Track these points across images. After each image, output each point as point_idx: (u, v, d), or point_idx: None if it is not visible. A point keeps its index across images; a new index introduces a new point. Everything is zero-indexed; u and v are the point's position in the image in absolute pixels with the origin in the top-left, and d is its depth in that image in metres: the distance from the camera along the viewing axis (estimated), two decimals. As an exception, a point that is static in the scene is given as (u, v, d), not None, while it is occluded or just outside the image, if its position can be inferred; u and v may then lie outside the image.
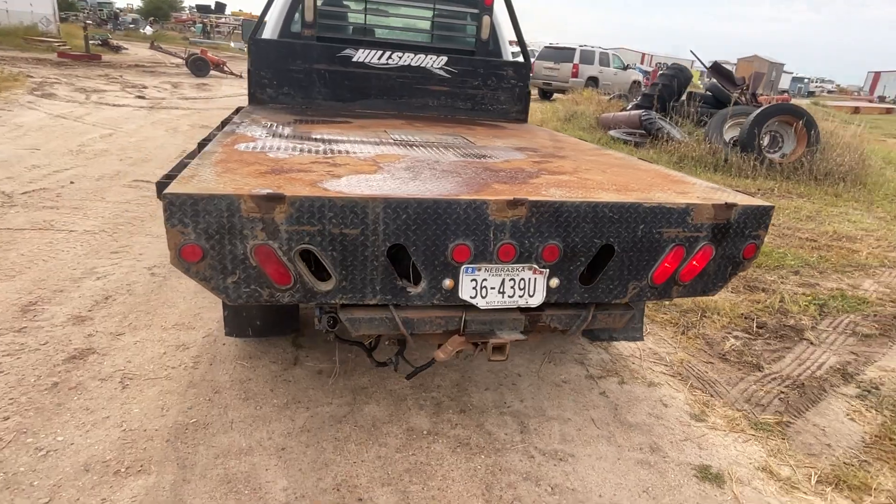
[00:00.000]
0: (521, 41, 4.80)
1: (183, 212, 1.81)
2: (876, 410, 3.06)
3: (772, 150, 9.39)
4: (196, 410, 2.61)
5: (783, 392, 3.19)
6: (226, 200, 1.83)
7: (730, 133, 9.78)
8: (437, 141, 3.38)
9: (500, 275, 2.13)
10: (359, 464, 2.39)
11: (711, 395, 3.12)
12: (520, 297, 2.17)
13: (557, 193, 2.19)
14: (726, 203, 2.24)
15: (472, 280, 2.11)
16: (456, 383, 3.00)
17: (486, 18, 4.70)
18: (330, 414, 2.65)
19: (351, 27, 4.68)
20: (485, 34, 4.75)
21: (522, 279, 2.15)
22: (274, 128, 3.32)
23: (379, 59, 4.50)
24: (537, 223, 2.07)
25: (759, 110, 9.10)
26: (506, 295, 2.15)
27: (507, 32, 4.98)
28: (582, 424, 2.75)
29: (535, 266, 2.14)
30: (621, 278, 2.25)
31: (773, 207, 2.35)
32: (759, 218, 2.31)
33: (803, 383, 3.30)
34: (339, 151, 2.74)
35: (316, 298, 2.05)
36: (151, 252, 4.60)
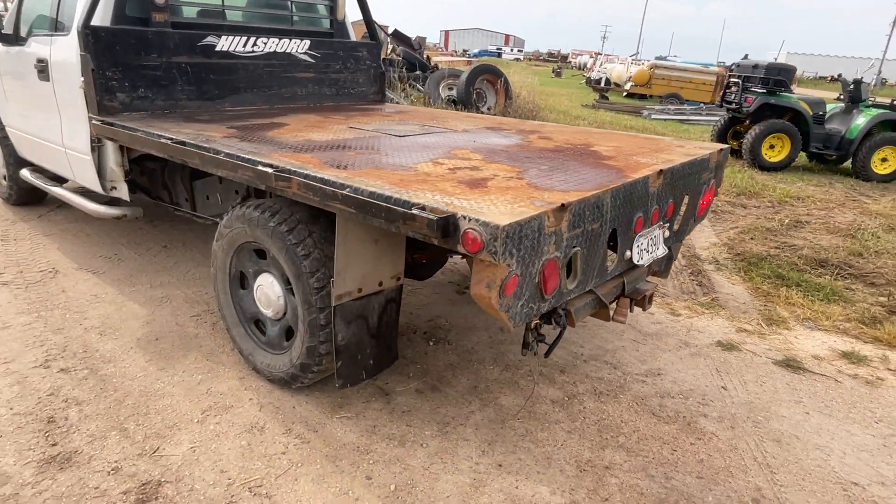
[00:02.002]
0: (370, 19, 4.75)
1: (512, 242, 1.67)
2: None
3: (480, 104, 11.14)
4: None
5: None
6: (537, 221, 1.75)
7: (445, 92, 11.15)
8: (439, 131, 3.32)
9: (647, 236, 2.51)
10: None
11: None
12: (655, 251, 2.60)
13: (661, 160, 2.66)
14: (720, 149, 3.06)
15: (637, 245, 2.44)
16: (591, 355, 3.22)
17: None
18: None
19: (200, 9, 3.89)
20: (340, 14, 4.54)
21: (654, 236, 2.59)
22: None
23: (244, 46, 3.92)
24: (663, 187, 2.52)
25: (469, 71, 10.66)
26: (648, 252, 2.56)
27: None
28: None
29: (661, 223, 2.60)
30: (688, 219, 2.89)
31: (730, 148, 3.29)
32: (726, 156, 3.21)
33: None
34: (433, 160, 2.56)
35: (562, 299, 2.10)
36: None
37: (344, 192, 1.99)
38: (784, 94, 8.44)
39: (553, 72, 43.07)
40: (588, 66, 41.96)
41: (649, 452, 2.48)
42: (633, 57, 42.12)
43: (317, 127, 3.34)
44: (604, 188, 2.11)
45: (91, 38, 3.25)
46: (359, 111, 4.25)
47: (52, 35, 3.70)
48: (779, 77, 8.51)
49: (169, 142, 2.71)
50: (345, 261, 2.24)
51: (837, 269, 4.63)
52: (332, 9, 4.50)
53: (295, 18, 4.34)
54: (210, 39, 3.75)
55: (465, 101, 10.62)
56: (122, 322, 3.31)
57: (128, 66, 3.41)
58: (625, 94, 23.52)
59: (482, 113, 10.90)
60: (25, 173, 4.62)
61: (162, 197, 3.98)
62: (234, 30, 3.92)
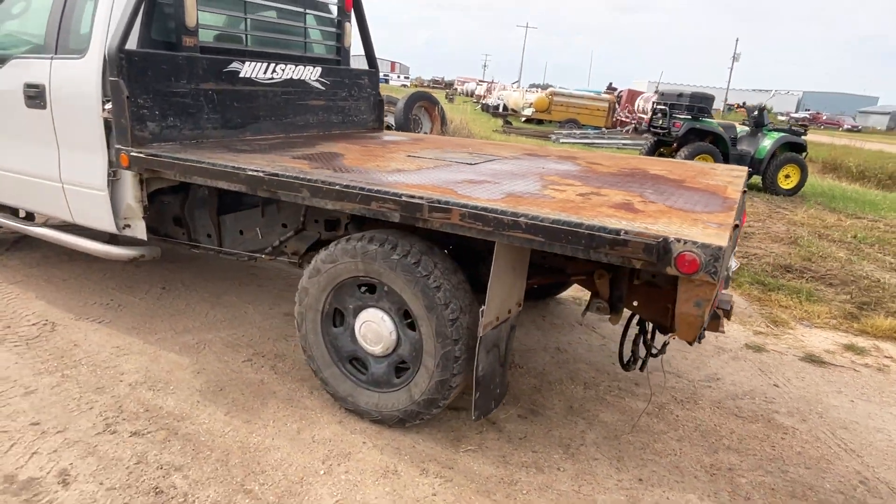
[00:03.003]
0: (369, 46, 4.70)
1: (724, 262, 1.78)
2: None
3: (416, 130, 11.26)
4: None
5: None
6: (731, 241, 1.87)
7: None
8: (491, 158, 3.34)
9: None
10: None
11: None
12: (733, 263, 2.83)
13: (719, 180, 2.91)
14: (749, 171, 3.40)
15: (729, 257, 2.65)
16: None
17: (347, 25, 4.41)
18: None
19: (224, 34, 3.65)
20: (347, 42, 4.46)
21: (735, 249, 2.82)
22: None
23: (264, 73, 3.74)
24: (741, 203, 2.77)
25: (405, 99, 10.74)
26: (733, 264, 2.78)
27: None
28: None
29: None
30: (737, 233, 3.17)
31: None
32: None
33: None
34: (560, 187, 2.60)
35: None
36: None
37: (521, 219, 1.99)
38: (706, 119, 9.46)
39: (447, 97, 44.41)
40: (477, 92, 43.71)
41: (755, 451, 2.68)
42: (515, 84, 44.62)
43: (373, 155, 3.25)
44: (732, 208, 2.29)
45: (125, 62, 2.95)
46: (376, 139, 4.19)
47: (50, 58, 3.29)
48: (701, 104, 9.53)
49: (260, 174, 2.53)
50: (496, 290, 2.22)
51: (800, 273, 5.25)
52: (340, 36, 4.41)
53: (307, 45, 4.20)
54: (235, 65, 3.53)
55: (404, 126, 10.70)
56: (168, 374, 2.97)
57: (158, 93, 3.13)
58: (523, 119, 24.82)
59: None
60: (-14, 213, 4.02)
61: (171, 234, 3.65)
62: (256, 55, 3.72)
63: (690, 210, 2.26)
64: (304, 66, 4.03)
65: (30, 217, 4.16)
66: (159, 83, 3.12)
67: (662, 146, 10.04)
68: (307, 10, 4.13)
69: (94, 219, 3.37)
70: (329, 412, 2.72)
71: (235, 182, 2.62)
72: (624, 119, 22.93)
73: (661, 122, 9.65)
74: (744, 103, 10.28)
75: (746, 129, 9.72)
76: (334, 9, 4.36)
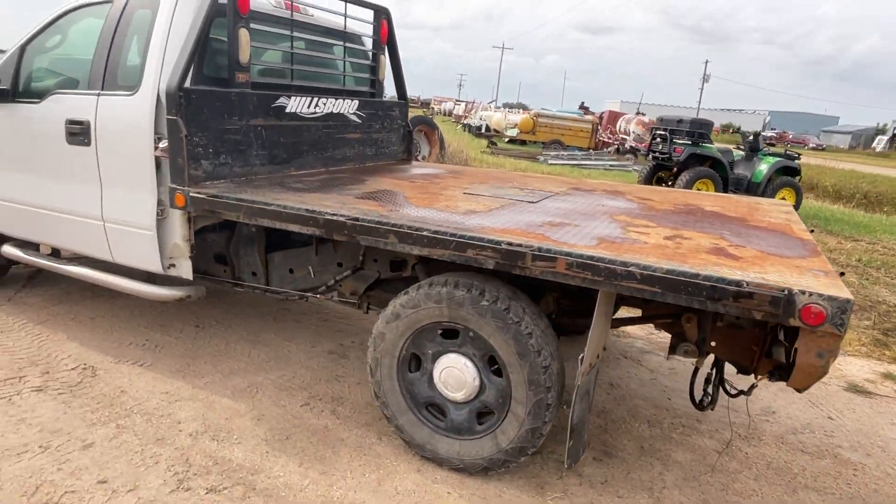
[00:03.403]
0: (401, 78, 4.69)
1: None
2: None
3: (416, 154, 11.29)
4: None
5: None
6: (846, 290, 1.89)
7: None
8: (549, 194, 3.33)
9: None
10: None
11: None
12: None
13: (774, 217, 2.95)
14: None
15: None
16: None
17: (382, 58, 4.40)
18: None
19: (271, 69, 3.60)
20: (382, 74, 4.44)
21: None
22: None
23: (308, 107, 3.69)
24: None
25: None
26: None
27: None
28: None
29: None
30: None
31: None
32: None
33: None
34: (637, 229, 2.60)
35: None
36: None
37: (634, 270, 1.98)
38: (706, 144, 9.67)
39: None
40: (455, 112, 44.09)
41: (832, 489, 2.69)
42: (491, 103, 45.13)
43: (430, 193, 3.22)
44: (819, 253, 2.32)
45: (184, 100, 2.87)
46: (415, 173, 4.16)
47: (96, 94, 3.20)
48: (701, 130, 9.75)
49: (342, 219, 2.47)
50: (594, 337, 2.20)
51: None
52: (375, 69, 4.39)
53: (346, 78, 4.17)
54: (281, 101, 3.48)
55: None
56: (227, 422, 2.86)
57: (212, 130, 3.05)
58: (506, 139, 25.08)
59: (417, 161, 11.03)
60: (11, 249, 3.85)
61: (212, 272, 3.55)
62: (300, 90, 3.68)
63: (782, 255, 2.28)
64: (343, 100, 4.00)
65: (55, 254, 4.01)
66: (214, 121, 3.05)
67: (661, 170, 10.23)
68: (346, 44, 4.10)
69: (137, 258, 3.26)
70: (405, 460, 2.65)
71: (311, 226, 2.56)
72: (606, 140, 23.35)
73: (660, 147, 9.85)
74: (739, 128, 10.56)
75: (742, 153, 9.97)
76: (369, 42, 4.34)
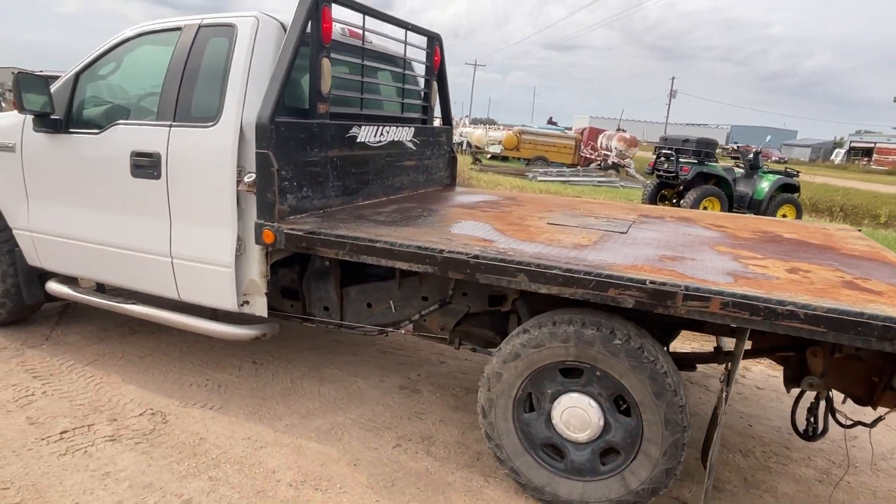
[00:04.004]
0: (448, 104, 4.64)
1: None
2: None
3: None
4: None
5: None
6: None
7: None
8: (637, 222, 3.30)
9: None
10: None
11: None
12: None
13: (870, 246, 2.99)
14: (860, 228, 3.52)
15: None
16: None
17: (433, 84, 4.35)
18: None
19: (346, 98, 3.50)
20: (434, 100, 4.39)
21: None
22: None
23: (374, 136, 3.61)
24: None
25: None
26: None
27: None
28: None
29: None
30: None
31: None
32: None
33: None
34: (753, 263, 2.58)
35: None
36: None
37: (795, 309, 1.95)
38: (711, 163, 9.88)
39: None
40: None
41: (942, 517, 2.70)
42: (467, 118, 45.43)
43: (516, 224, 3.16)
44: None
45: (274, 133, 2.76)
46: (473, 201, 4.10)
47: (168, 125, 3.06)
48: (707, 149, 9.95)
49: (462, 256, 2.38)
50: (734, 373, 2.17)
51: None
52: (427, 95, 4.34)
53: (404, 105, 4.10)
54: (353, 130, 3.39)
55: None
56: (323, 469, 2.72)
57: (297, 163, 2.95)
58: (488, 156, 25.21)
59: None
60: (57, 286, 3.64)
61: (279, 307, 3.41)
62: (369, 119, 3.60)
63: (908, 287, 2.29)
64: (402, 127, 3.93)
65: (100, 289, 3.81)
66: (298, 153, 2.95)
67: (665, 188, 10.40)
68: (405, 71, 4.04)
69: (208, 296, 3.11)
70: (521, 504, 2.56)
71: (427, 264, 2.47)
72: (588, 156, 23.70)
73: (665, 165, 10.03)
74: (738, 146, 10.87)
75: (742, 171, 10.22)
76: (421, 68, 4.29)
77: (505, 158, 24.64)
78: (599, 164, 22.64)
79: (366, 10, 3.40)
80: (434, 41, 4.24)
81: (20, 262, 3.76)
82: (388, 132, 3.74)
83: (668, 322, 2.69)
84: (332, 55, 3.24)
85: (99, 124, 3.32)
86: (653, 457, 2.32)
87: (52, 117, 3.35)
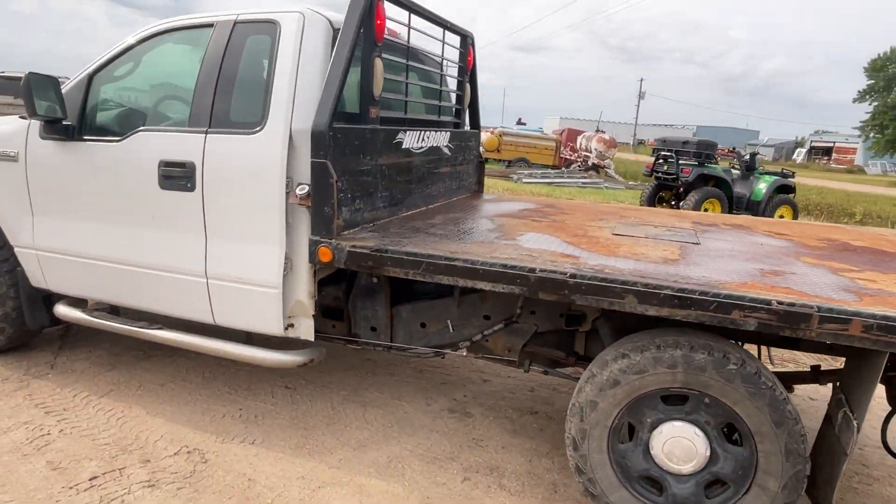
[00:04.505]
0: (477, 106, 4.42)
1: None
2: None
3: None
4: None
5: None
6: None
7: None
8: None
9: None
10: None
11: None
12: None
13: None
14: None
15: None
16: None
17: (467, 86, 4.12)
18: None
19: (393, 101, 3.24)
20: (465, 102, 4.16)
21: None
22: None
23: (417, 142, 3.37)
24: None
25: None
26: None
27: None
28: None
29: None
30: None
31: None
32: None
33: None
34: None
35: None
36: None
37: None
38: (711, 165, 9.88)
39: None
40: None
41: None
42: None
43: (580, 235, 2.95)
44: None
45: (332, 140, 2.50)
46: (512, 208, 3.90)
47: (203, 132, 2.76)
48: (707, 151, 9.95)
49: (560, 276, 2.16)
50: (868, 399, 2.01)
51: None
52: (460, 97, 4.11)
53: (440, 108, 3.86)
54: (400, 136, 3.15)
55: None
56: (393, 510, 2.48)
57: (351, 172, 2.69)
58: (468, 157, 24.97)
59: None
60: (67, 310, 3.29)
61: (319, 327, 3.14)
62: (413, 123, 3.35)
63: None
64: (440, 132, 3.70)
65: (114, 312, 3.46)
66: (352, 162, 2.69)
67: (663, 190, 10.38)
68: (443, 72, 3.81)
69: (250, 319, 2.83)
70: None
71: (517, 284, 2.24)
72: (568, 157, 23.73)
73: (665, 167, 10.00)
74: (734, 148, 10.94)
75: (738, 172, 10.26)
76: (454, 70, 4.06)
77: (486, 160, 24.49)
78: (579, 166, 22.70)
79: (412, 8, 3.15)
80: (467, 40, 4.02)
81: (23, 283, 3.39)
82: (428, 137, 3.50)
83: (738, 337, 2.55)
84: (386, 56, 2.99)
85: (118, 131, 3.00)
86: (770, 490, 2.14)
87: (63, 123, 3.01)
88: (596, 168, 22.12)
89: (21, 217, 3.29)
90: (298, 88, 2.63)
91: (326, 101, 2.51)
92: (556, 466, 2.87)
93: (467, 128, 4.44)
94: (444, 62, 3.88)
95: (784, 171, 10.25)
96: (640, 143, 59.12)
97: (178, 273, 2.91)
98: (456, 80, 4.08)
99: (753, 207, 9.67)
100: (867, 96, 43.88)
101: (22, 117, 3.39)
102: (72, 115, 3.04)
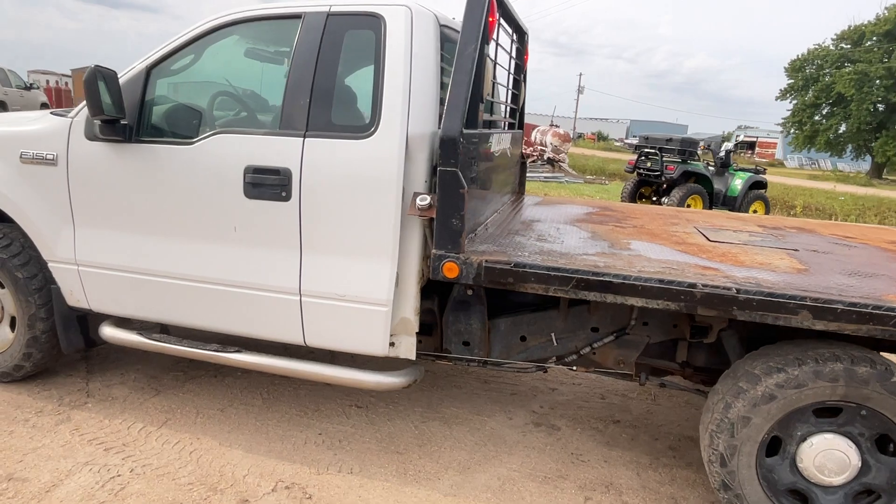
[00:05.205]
0: (523, 104, 4.29)
1: None
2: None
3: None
4: None
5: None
6: None
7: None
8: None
9: None
10: None
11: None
12: None
13: None
14: None
15: None
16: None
17: (522, 84, 3.98)
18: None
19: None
20: (521, 102, 4.02)
21: None
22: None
23: (497, 145, 3.23)
24: None
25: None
26: None
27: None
28: None
29: None
30: None
31: None
32: None
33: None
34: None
35: None
36: None
37: None
38: (694, 162, 10.16)
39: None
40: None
41: None
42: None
43: (689, 244, 2.89)
44: None
45: (461, 147, 2.31)
46: (576, 211, 3.81)
47: (301, 135, 2.50)
48: (690, 148, 10.22)
49: (796, 302, 2.05)
50: None
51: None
52: (516, 96, 3.97)
53: (507, 108, 3.70)
54: (492, 139, 2.99)
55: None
56: (531, 538, 2.34)
57: (468, 180, 2.51)
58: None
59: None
60: (115, 332, 2.93)
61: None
62: (491, 125, 3.19)
63: None
64: (506, 133, 3.55)
65: (164, 331, 3.12)
66: (468, 169, 2.52)
67: (642, 186, 10.62)
68: (510, 71, 3.65)
69: (350, 339, 2.61)
70: None
71: (676, 301, 2.15)
72: (524, 151, 23.91)
73: (648, 164, 10.22)
74: (709, 145, 11.30)
75: (713, 169, 10.64)
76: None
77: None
78: (536, 160, 22.94)
79: (501, 2, 2.99)
80: (525, 37, 3.89)
81: (57, 302, 3.00)
82: (502, 139, 3.36)
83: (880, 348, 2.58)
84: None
85: (187, 132, 2.68)
86: (926, 500, 2.18)
87: (122, 123, 2.66)
88: (551, 162, 22.42)
89: (58, 228, 2.90)
90: (414, 89, 2.43)
91: (456, 105, 2.32)
92: (666, 479, 2.82)
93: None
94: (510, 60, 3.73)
95: (757, 167, 10.75)
96: (580, 136, 60.62)
97: (263, 290, 2.64)
98: (512, 79, 3.94)
99: (730, 203, 10.09)
100: (787, 95, 46.79)
101: (54, 113, 3.00)
102: (130, 114, 2.69)
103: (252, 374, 3.45)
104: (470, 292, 2.82)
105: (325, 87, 2.51)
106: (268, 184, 2.52)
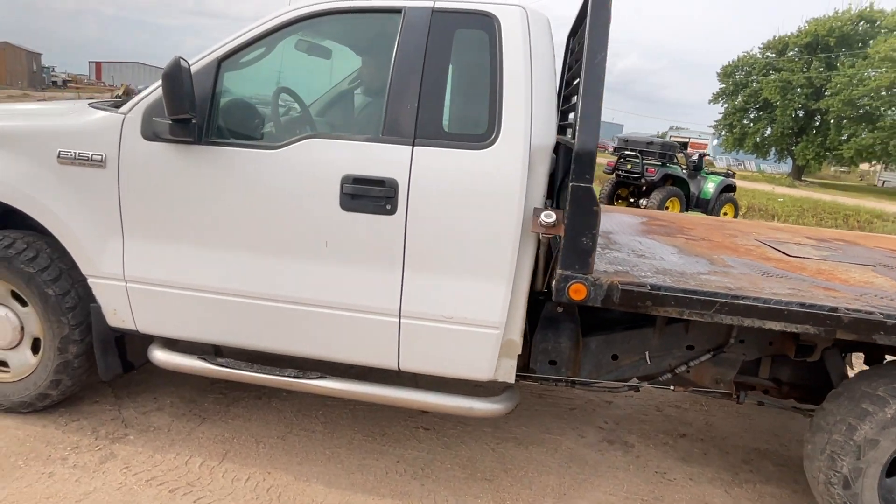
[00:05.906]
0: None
1: None
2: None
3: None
4: None
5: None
6: None
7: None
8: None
9: None
10: None
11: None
12: None
13: None
14: None
15: None
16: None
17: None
18: None
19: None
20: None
21: None
22: None
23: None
24: None
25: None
26: None
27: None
28: None
29: None
30: None
31: None
32: None
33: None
34: None
35: None
36: None
37: None
38: (673, 165, 10.38)
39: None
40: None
41: None
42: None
43: (782, 261, 2.87)
44: None
45: (594, 160, 2.17)
46: (630, 221, 3.75)
47: (410, 143, 2.28)
48: (670, 152, 10.42)
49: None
50: None
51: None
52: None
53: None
54: (577, 149, 2.85)
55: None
56: (657, 571, 2.25)
57: (576, 195, 2.38)
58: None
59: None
60: (179, 357, 2.61)
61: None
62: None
63: None
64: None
65: (218, 353, 2.81)
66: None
67: (619, 188, 10.79)
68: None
69: (452, 363, 2.43)
70: None
71: (824, 325, 2.11)
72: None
73: (628, 166, 10.37)
74: (684, 151, 11.66)
75: (685, 172, 10.96)
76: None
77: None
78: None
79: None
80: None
81: (97, 322, 2.63)
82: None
83: None
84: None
85: (272, 136, 2.41)
86: None
87: (192, 122, 2.34)
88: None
89: (104, 239, 2.54)
90: (536, 97, 2.26)
91: (590, 116, 2.17)
92: (754, 495, 2.81)
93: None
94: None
95: (728, 171, 11.18)
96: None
97: (355, 311, 2.41)
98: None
99: (703, 205, 10.44)
100: (719, 98, 49.22)
101: (94, 106, 2.62)
102: (201, 112, 2.37)
103: (297, 396, 3.18)
104: (560, 310, 2.70)
105: (434, 90, 2.30)
106: (371, 195, 2.29)
